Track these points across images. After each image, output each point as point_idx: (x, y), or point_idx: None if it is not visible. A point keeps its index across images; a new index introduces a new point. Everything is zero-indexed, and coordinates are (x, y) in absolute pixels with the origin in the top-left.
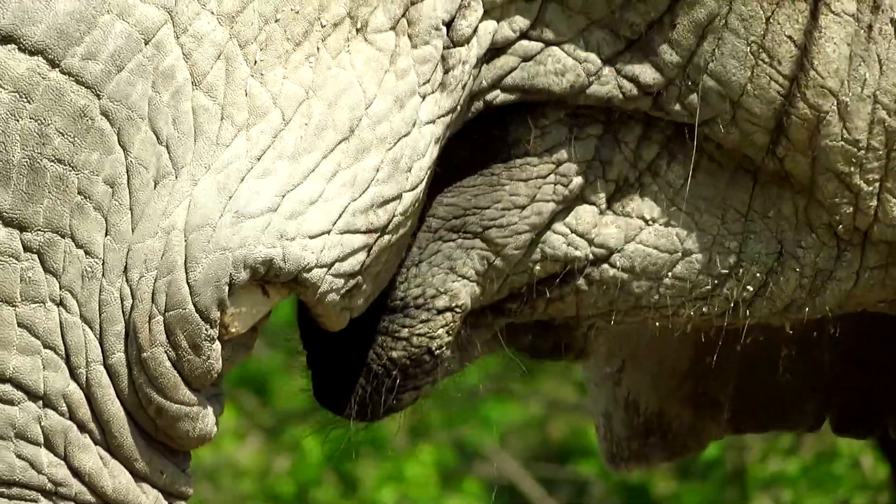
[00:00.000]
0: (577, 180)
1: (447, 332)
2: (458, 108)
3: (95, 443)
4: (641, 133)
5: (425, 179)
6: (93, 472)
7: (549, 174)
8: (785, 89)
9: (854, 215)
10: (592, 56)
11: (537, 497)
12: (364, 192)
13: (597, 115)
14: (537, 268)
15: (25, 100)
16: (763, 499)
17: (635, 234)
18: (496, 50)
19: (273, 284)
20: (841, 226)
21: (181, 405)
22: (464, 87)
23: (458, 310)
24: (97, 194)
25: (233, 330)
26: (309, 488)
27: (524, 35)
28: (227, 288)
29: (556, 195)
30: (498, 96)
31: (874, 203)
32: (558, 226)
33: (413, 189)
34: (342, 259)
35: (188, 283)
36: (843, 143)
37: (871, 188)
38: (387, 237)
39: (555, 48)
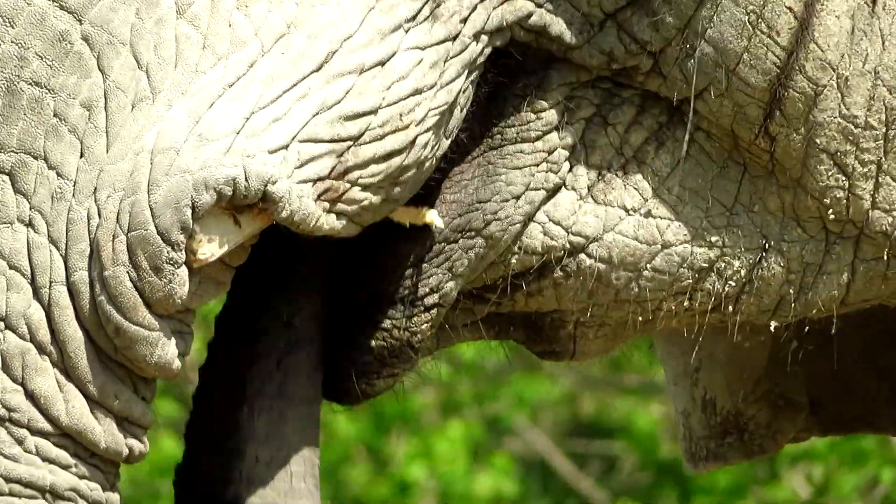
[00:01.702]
0: (565, 167)
1: (430, 327)
2: (459, 41)
3: (53, 365)
4: (633, 117)
5: (415, 103)
6: (48, 396)
7: (542, 162)
8: (782, 61)
9: (847, 202)
10: (595, 10)
11: (568, 472)
12: (331, 107)
13: (591, 97)
14: (514, 260)
15: (9, 24)
16: (793, 475)
17: (614, 223)
18: None
19: (244, 212)
20: (832, 213)
21: (139, 327)
22: (463, 22)
23: (444, 306)
24: (73, 117)
25: (201, 256)
26: (339, 464)
27: None
28: (188, 211)
29: (546, 183)
30: (516, 33)
31: (870, 187)
32: (538, 214)
33: (392, 105)
34: (303, 165)
35: (150, 205)
36: (839, 118)
37: (866, 170)
38: (366, 148)
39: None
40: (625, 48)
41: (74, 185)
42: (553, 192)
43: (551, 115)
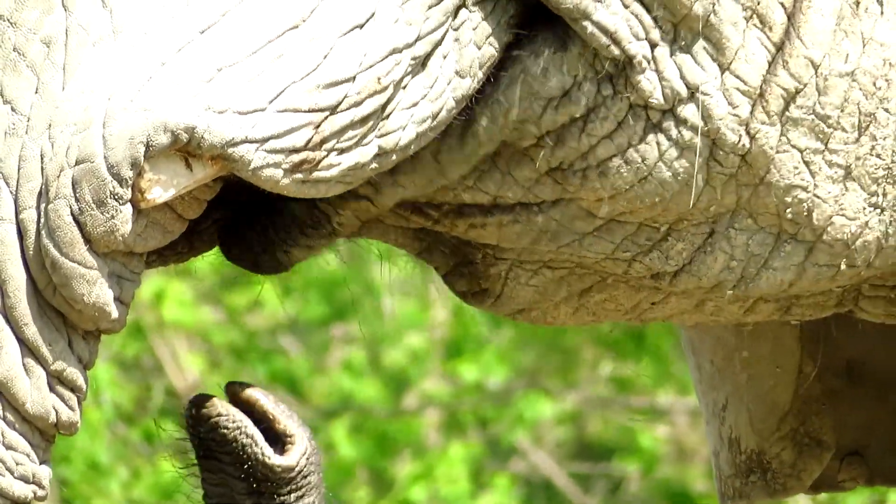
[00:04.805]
0: (531, 138)
1: (354, 215)
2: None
3: None
4: (613, 128)
5: (393, 63)
6: None
7: (532, 117)
8: (771, 56)
9: (809, 204)
10: None
11: (572, 493)
12: (309, 73)
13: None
14: (465, 195)
15: None
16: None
17: (571, 196)
18: None
19: (197, 157)
20: (789, 212)
21: (76, 263)
22: None
23: (374, 203)
24: (32, 52)
25: (148, 196)
26: (341, 486)
27: None
28: (142, 148)
29: (517, 135)
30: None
31: (835, 191)
32: (500, 162)
33: (369, 69)
34: (279, 136)
35: (103, 137)
36: (813, 116)
37: (832, 172)
38: (344, 115)
39: None
40: (631, 30)
41: (28, 122)
42: (514, 151)
43: (558, 84)
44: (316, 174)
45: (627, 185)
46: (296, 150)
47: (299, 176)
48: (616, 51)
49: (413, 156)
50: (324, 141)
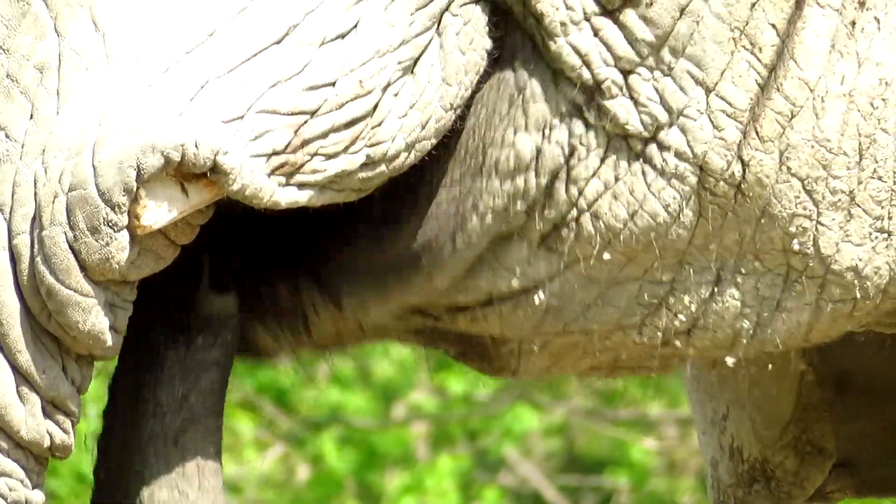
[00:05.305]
0: (522, 216)
1: (331, 321)
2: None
3: None
4: (595, 169)
5: (378, 67)
6: None
7: (508, 204)
8: (763, 79)
9: (814, 233)
10: (577, 5)
11: None
12: (289, 78)
13: (588, 143)
14: (459, 297)
15: None
16: None
17: (567, 266)
18: None
19: (192, 180)
20: (796, 243)
21: (72, 291)
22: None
23: (362, 324)
24: (25, 78)
25: (144, 222)
26: (330, 499)
27: None
28: (133, 172)
29: (499, 227)
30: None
31: (840, 218)
32: (487, 256)
33: (351, 73)
34: (257, 138)
35: (93, 164)
36: (813, 141)
37: (836, 199)
38: (325, 119)
39: None
40: (601, 56)
41: (22, 148)
42: (502, 238)
43: (528, 145)
44: (300, 178)
45: (620, 223)
46: (276, 153)
47: (282, 178)
48: (586, 74)
49: (400, 272)
50: (304, 143)
